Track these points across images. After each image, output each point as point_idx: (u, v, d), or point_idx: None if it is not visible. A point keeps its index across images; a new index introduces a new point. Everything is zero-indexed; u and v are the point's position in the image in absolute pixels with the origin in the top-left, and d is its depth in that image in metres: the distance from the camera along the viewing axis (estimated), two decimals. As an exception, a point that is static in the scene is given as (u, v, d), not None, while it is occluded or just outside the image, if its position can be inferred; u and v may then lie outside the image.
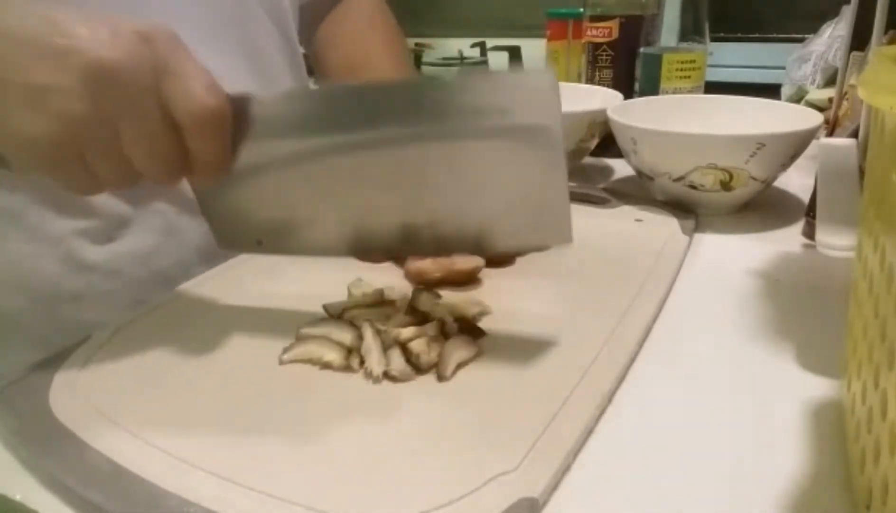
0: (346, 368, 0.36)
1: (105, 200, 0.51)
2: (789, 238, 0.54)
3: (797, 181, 0.64)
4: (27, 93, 0.32)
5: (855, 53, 0.68)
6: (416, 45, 1.92)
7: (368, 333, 0.37)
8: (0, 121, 0.32)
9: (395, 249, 0.41)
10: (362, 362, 0.36)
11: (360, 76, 0.65)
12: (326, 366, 0.37)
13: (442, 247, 0.40)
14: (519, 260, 0.49)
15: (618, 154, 0.64)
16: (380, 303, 0.42)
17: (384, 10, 0.73)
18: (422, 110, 0.35)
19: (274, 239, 0.41)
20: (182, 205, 0.54)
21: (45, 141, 0.32)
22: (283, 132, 0.37)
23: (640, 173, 0.62)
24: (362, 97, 0.36)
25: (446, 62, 1.83)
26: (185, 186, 0.39)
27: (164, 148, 0.34)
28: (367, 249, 0.42)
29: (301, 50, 0.66)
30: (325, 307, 0.42)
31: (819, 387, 0.36)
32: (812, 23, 1.00)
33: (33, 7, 0.33)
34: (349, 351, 0.37)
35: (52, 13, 0.32)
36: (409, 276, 0.46)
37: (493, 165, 0.35)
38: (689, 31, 0.76)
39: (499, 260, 0.48)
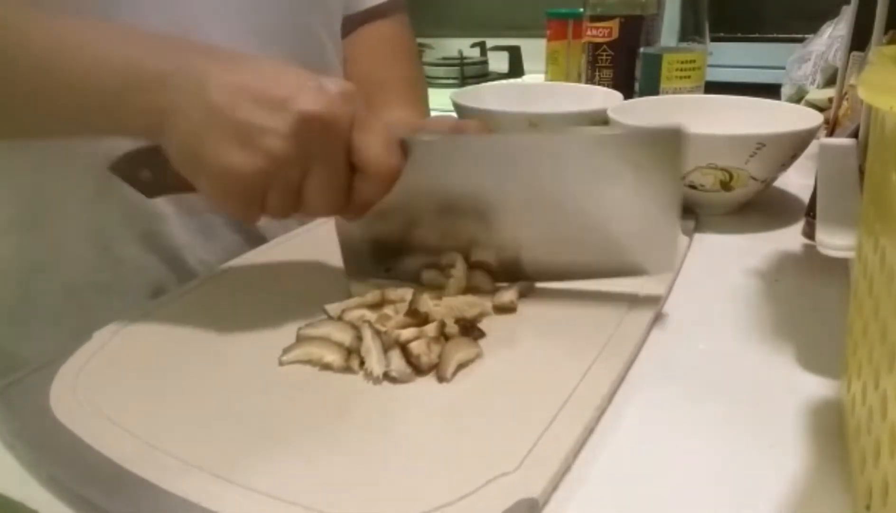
0: (346, 369, 0.36)
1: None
2: (789, 238, 0.54)
3: (797, 181, 0.64)
4: (244, 129, 0.36)
5: (855, 53, 0.68)
6: (416, 44, 1.92)
7: (368, 334, 0.37)
8: (212, 150, 0.36)
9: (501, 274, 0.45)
10: (362, 363, 0.36)
11: (371, 97, 0.66)
12: (326, 367, 0.37)
13: (548, 273, 0.44)
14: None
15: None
16: (380, 304, 0.42)
17: (410, 40, 0.75)
18: (564, 165, 0.40)
19: (401, 266, 0.45)
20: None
21: (245, 173, 0.36)
22: (428, 175, 0.41)
23: (640, 173, 0.62)
24: (508, 150, 0.41)
25: (446, 62, 1.83)
26: None
27: (337, 188, 0.39)
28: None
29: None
30: (325, 308, 0.42)
31: (819, 387, 0.36)
32: (812, 23, 1.00)
33: (262, 62, 0.39)
34: (349, 352, 0.37)
35: (277, 68, 0.38)
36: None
37: (617, 202, 0.41)
38: (689, 31, 0.76)
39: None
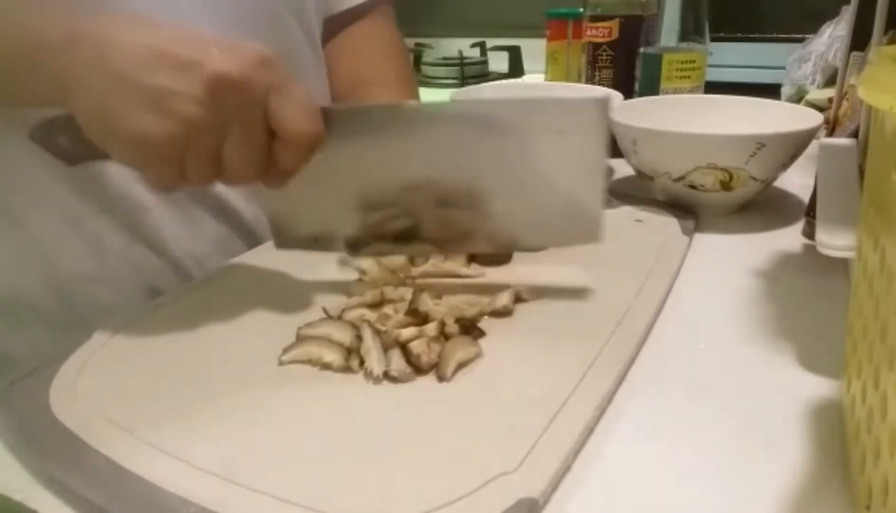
0: (346, 368, 0.36)
1: (129, 187, 0.52)
2: (789, 238, 0.54)
3: (797, 181, 0.64)
4: (153, 94, 0.34)
5: (855, 53, 0.68)
6: (416, 44, 1.92)
7: (367, 334, 0.37)
8: (120, 117, 0.35)
9: (430, 239, 0.44)
10: (362, 363, 0.36)
11: (361, 97, 0.67)
12: (326, 366, 0.37)
13: (472, 240, 0.44)
14: (515, 260, 0.49)
15: (618, 154, 0.64)
16: (380, 303, 0.42)
17: (396, 37, 0.74)
18: (488, 127, 0.40)
19: (328, 236, 0.44)
20: (200, 197, 0.55)
21: (158, 139, 0.35)
22: (350, 141, 0.40)
23: (640, 173, 0.62)
24: (429, 115, 0.40)
25: (446, 62, 1.83)
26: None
27: (257, 155, 0.37)
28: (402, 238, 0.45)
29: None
30: (324, 308, 0.42)
31: (819, 387, 0.36)
32: (812, 23, 1.00)
33: (170, 25, 0.37)
34: (349, 352, 0.37)
35: (187, 31, 0.36)
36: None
37: (540, 169, 0.41)
38: (689, 31, 0.76)
39: (495, 259, 0.48)
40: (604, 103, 0.39)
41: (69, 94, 0.36)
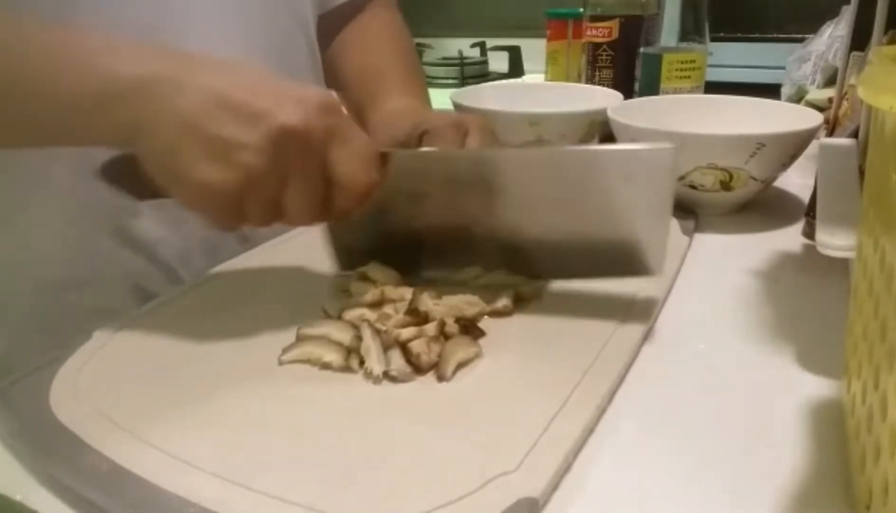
0: (346, 368, 0.36)
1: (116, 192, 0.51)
2: (789, 238, 0.54)
3: (797, 181, 0.64)
4: (219, 143, 0.35)
5: (855, 53, 0.68)
6: (417, 45, 1.92)
7: (367, 333, 0.37)
8: (184, 164, 0.36)
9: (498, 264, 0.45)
10: (362, 363, 0.36)
11: (371, 88, 0.66)
12: (326, 366, 0.37)
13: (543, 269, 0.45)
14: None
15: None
16: (380, 303, 0.42)
17: (400, 25, 0.74)
18: (552, 179, 0.41)
19: (391, 261, 0.45)
20: None
21: (220, 188, 0.36)
22: (412, 183, 0.42)
23: (640, 173, 0.62)
24: (498, 164, 0.42)
25: (446, 62, 1.83)
26: None
27: (315, 199, 0.38)
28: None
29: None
30: (324, 308, 0.42)
31: (819, 387, 0.36)
32: (812, 23, 1.00)
33: (238, 70, 0.38)
34: (349, 351, 0.37)
35: (254, 77, 0.37)
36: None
37: (612, 210, 0.42)
38: (689, 31, 0.76)
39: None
40: (671, 154, 0.40)
41: (136, 137, 0.36)
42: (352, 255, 0.46)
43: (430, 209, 0.43)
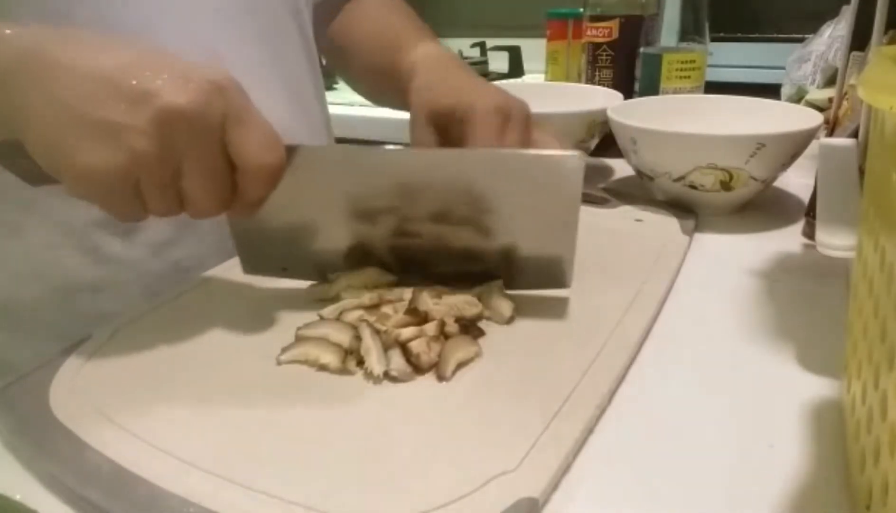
0: (343, 370, 0.36)
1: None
2: (789, 238, 0.54)
3: (797, 181, 0.64)
4: (101, 127, 0.33)
5: (855, 53, 0.68)
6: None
7: (367, 334, 0.37)
8: (68, 150, 0.34)
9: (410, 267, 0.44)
10: (359, 364, 0.36)
11: (393, 40, 0.64)
12: (323, 368, 0.37)
13: (459, 274, 0.44)
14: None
15: (618, 154, 0.64)
16: (379, 303, 0.42)
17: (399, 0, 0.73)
18: (460, 184, 0.40)
19: (299, 266, 0.45)
20: None
21: (108, 173, 0.34)
22: (320, 180, 0.41)
23: (640, 173, 0.62)
24: (405, 165, 0.41)
25: (446, 62, 1.82)
26: None
27: (217, 186, 0.37)
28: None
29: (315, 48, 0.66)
30: (320, 314, 0.42)
31: (819, 387, 0.36)
32: (812, 23, 1.00)
33: (121, 48, 0.35)
34: (347, 353, 0.37)
35: (137, 56, 0.35)
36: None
37: (518, 219, 0.41)
38: (689, 31, 0.76)
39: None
40: (578, 162, 0.39)
41: (18, 125, 0.35)
42: (257, 257, 0.45)
43: (342, 212, 0.42)
